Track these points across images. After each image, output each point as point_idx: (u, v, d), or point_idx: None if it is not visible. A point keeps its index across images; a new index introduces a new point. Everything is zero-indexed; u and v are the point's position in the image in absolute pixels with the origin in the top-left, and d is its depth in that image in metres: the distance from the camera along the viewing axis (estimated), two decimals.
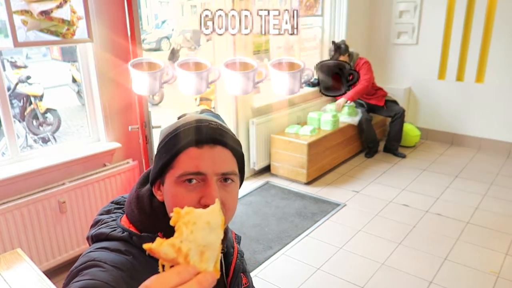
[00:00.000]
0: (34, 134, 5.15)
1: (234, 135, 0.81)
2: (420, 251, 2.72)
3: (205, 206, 0.71)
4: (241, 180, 0.84)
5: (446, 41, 4.64)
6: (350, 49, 4.26)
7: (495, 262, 2.59)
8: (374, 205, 3.37)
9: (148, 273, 0.70)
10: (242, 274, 0.90)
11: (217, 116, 0.85)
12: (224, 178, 0.76)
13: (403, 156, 4.45)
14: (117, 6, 2.55)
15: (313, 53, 4.76)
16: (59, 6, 2.26)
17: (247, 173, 3.96)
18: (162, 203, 0.79)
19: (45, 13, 2.21)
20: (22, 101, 5.17)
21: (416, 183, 3.79)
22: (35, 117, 5.24)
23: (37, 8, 2.17)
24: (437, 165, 4.20)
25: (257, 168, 3.96)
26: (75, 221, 2.48)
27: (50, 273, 2.40)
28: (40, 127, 5.27)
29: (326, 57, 4.84)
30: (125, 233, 0.76)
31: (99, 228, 0.79)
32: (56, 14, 2.26)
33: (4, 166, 2.35)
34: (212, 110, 0.87)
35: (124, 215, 0.82)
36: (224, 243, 0.85)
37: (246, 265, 0.99)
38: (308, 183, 3.80)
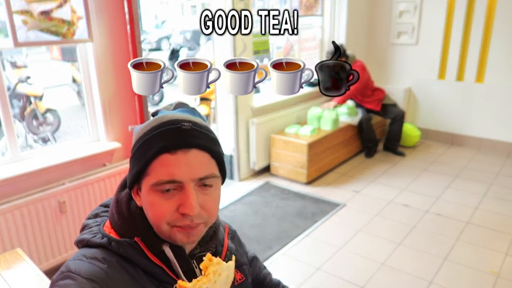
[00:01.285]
0: (34, 134, 5.15)
1: (210, 133, 0.76)
2: (420, 251, 2.72)
3: (183, 215, 0.70)
4: (223, 178, 0.80)
5: (446, 41, 4.64)
6: (347, 52, 4.26)
7: (495, 262, 2.59)
8: (374, 205, 3.37)
9: (123, 282, 0.69)
10: (236, 270, 0.87)
11: (192, 111, 0.80)
12: (203, 183, 0.72)
13: (403, 155, 4.45)
14: (117, 6, 2.55)
15: (313, 53, 4.76)
16: (59, 6, 2.26)
17: (247, 173, 3.96)
18: (141, 209, 0.76)
19: (45, 13, 2.21)
20: (22, 101, 5.17)
21: (416, 183, 3.79)
22: (35, 117, 5.24)
23: (37, 8, 2.17)
24: (437, 165, 4.20)
25: (257, 168, 3.96)
26: (75, 221, 2.48)
27: (50, 273, 2.40)
28: (40, 127, 5.27)
29: (326, 57, 4.85)
30: (104, 238, 0.74)
31: (82, 234, 0.78)
32: (56, 14, 2.26)
33: (4, 166, 2.35)
34: (187, 104, 0.82)
35: (108, 219, 0.81)
36: (212, 245, 0.83)
37: (246, 256, 0.96)
38: (308, 183, 3.80)
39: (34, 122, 5.24)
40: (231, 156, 3.88)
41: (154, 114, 0.79)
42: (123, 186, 0.82)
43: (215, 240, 0.84)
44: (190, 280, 0.73)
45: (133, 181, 0.75)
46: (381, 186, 3.75)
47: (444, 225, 3.05)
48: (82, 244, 0.76)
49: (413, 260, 2.63)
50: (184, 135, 0.71)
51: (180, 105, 0.81)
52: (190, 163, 0.71)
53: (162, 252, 0.73)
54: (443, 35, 4.62)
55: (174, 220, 0.71)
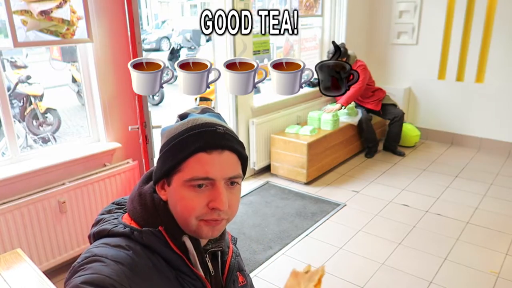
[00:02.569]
0: (34, 134, 5.15)
1: (237, 137, 0.83)
2: (420, 251, 2.72)
3: (213, 210, 0.76)
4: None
5: (446, 41, 4.64)
6: (349, 51, 4.27)
7: (495, 262, 2.59)
8: (374, 205, 3.37)
9: (148, 268, 0.73)
10: (238, 272, 0.92)
11: (219, 116, 0.86)
12: (231, 181, 0.79)
13: (403, 155, 4.46)
14: (117, 6, 2.55)
15: (313, 53, 4.76)
16: (59, 6, 2.26)
17: (247, 173, 3.96)
18: (164, 201, 0.81)
19: (45, 13, 2.21)
20: (22, 101, 5.17)
21: (416, 183, 3.79)
22: (35, 117, 5.24)
23: (37, 8, 2.17)
24: (437, 165, 4.20)
25: (257, 168, 3.96)
26: (75, 221, 2.48)
27: (50, 273, 2.40)
28: (40, 127, 5.27)
29: (326, 57, 4.84)
30: (127, 228, 0.78)
31: (101, 225, 0.81)
32: (56, 14, 2.26)
33: (4, 166, 2.35)
34: (212, 109, 0.86)
35: (126, 213, 0.85)
36: (222, 244, 0.88)
37: (244, 265, 1.01)
38: (308, 183, 3.80)
39: (34, 122, 5.24)
40: None
41: (182, 117, 0.83)
42: (144, 181, 0.86)
43: (224, 240, 0.89)
44: (204, 273, 0.81)
45: (161, 177, 0.80)
46: (381, 186, 3.75)
47: (444, 225, 3.05)
48: (101, 235, 0.79)
49: (413, 260, 2.63)
50: (219, 137, 0.78)
51: (206, 110, 0.87)
52: (223, 163, 0.77)
53: (182, 244, 0.78)
54: (443, 35, 4.62)
55: (203, 214, 0.76)
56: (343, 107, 4.28)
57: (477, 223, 3.05)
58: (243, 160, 0.83)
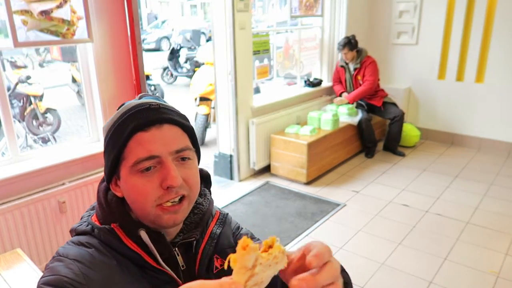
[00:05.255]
0: (34, 134, 5.14)
1: (178, 111, 0.79)
2: (420, 251, 2.72)
3: (168, 188, 0.72)
4: (198, 155, 0.82)
5: (446, 41, 4.64)
6: (359, 46, 4.29)
7: (495, 262, 2.59)
8: (374, 205, 3.37)
9: (109, 265, 0.72)
10: (215, 256, 0.85)
11: (157, 98, 0.82)
12: (181, 157, 0.75)
13: (403, 155, 4.46)
14: (117, 6, 2.55)
15: (313, 53, 4.76)
16: (59, 6, 2.26)
17: (247, 173, 3.96)
18: (117, 197, 0.79)
19: (45, 13, 2.21)
20: (22, 101, 5.17)
21: (416, 183, 3.79)
22: (35, 117, 5.24)
23: (37, 8, 2.17)
24: (437, 165, 4.20)
25: (257, 168, 3.96)
26: (75, 221, 2.48)
27: None
28: (40, 127, 5.27)
29: (326, 57, 4.85)
30: (89, 226, 0.78)
31: (75, 224, 0.83)
32: (56, 14, 2.26)
33: (4, 166, 2.35)
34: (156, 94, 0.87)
35: None
36: (196, 233, 0.82)
37: (230, 239, 0.90)
38: (308, 183, 3.80)
39: (34, 122, 5.24)
40: (231, 156, 3.88)
41: (120, 107, 0.81)
42: (103, 178, 0.84)
43: (200, 227, 0.83)
44: (171, 267, 0.75)
45: (111, 172, 0.77)
46: (381, 186, 3.75)
47: (444, 225, 3.05)
48: (72, 233, 0.81)
49: (413, 260, 2.63)
50: (154, 113, 0.75)
51: (144, 95, 0.84)
52: (165, 137, 0.74)
53: (140, 238, 0.74)
54: (443, 35, 4.62)
55: (160, 197, 0.73)
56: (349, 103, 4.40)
57: (477, 223, 3.05)
58: (189, 132, 0.79)
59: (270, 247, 0.50)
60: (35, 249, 2.33)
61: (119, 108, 0.81)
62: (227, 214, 0.93)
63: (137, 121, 0.73)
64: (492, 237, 2.87)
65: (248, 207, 3.38)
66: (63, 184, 2.43)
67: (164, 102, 0.80)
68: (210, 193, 0.92)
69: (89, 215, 0.83)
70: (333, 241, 2.85)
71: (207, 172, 0.92)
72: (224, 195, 3.61)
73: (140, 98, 0.83)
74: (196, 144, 0.81)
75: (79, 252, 0.73)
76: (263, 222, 3.13)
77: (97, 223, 0.78)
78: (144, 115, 0.74)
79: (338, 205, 3.38)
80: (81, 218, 0.84)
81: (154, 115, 0.74)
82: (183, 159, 0.75)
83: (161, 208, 0.74)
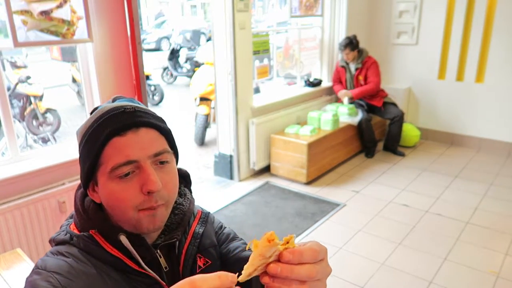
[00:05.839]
0: (34, 134, 5.15)
1: (154, 113, 0.78)
2: (420, 251, 2.72)
3: (149, 193, 0.71)
4: (176, 157, 0.81)
5: (446, 41, 4.64)
6: (360, 46, 4.30)
7: (495, 262, 2.59)
8: (374, 205, 3.37)
9: (89, 273, 0.71)
10: (198, 255, 0.85)
11: (132, 100, 0.80)
12: (159, 160, 0.74)
13: (403, 155, 4.46)
14: (117, 6, 2.55)
15: (313, 53, 4.76)
16: (59, 6, 2.26)
17: (246, 173, 3.96)
18: (95, 203, 0.77)
19: (45, 13, 2.21)
20: (22, 101, 5.17)
21: (416, 183, 3.79)
22: (35, 117, 5.24)
23: (37, 8, 2.17)
24: (437, 165, 4.20)
25: (257, 168, 3.96)
26: None
27: None
28: (40, 127, 5.27)
29: (326, 57, 4.85)
30: (67, 235, 0.77)
31: (52, 235, 0.81)
32: (56, 14, 2.26)
33: (4, 166, 2.35)
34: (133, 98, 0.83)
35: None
36: (177, 234, 0.81)
37: (212, 238, 0.90)
38: (308, 183, 3.80)
39: (34, 122, 5.24)
40: (231, 156, 3.88)
41: (92, 111, 0.79)
42: (79, 186, 0.83)
43: (182, 228, 0.83)
44: (154, 269, 0.75)
45: (87, 178, 0.76)
46: (381, 186, 3.75)
47: (444, 225, 3.05)
48: (51, 243, 0.79)
49: (413, 260, 2.63)
50: (129, 116, 0.73)
51: (118, 98, 0.82)
52: (142, 141, 0.72)
53: (120, 242, 0.73)
54: (443, 35, 4.62)
55: (141, 203, 0.72)
56: (352, 99, 4.44)
57: (477, 223, 3.05)
58: (167, 134, 0.77)
59: (287, 242, 0.55)
60: (35, 249, 2.33)
61: (92, 112, 0.78)
62: (209, 213, 0.93)
63: (113, 126, 0.72)
64: (492, 237, 2.87)
65: (248, 207, 3.38)
66: (63, 184, 2.43)
67: (139, 104, 0.78)
68: (191, 192, 0.91)
69: (68, 223, 0.81)
70: (333, 241, 2.85)
71: (186, 171, 0.90)
72: (224, 195, 3.61)
73: (114, 100, 0.81)
74: (174, 145, 0.80)
75: (57, 263, 0.71)
76: (263, 222, 3.13)
77: (75, 231, 0.77)
78: (120, 119, 0.72)
79: (338, 205, 3.38)
80: (60, 227, 0.82)
81: (130, 118, 0.73)
82: (161, 162, 0.74)
83: (142, 212, 0.73)
